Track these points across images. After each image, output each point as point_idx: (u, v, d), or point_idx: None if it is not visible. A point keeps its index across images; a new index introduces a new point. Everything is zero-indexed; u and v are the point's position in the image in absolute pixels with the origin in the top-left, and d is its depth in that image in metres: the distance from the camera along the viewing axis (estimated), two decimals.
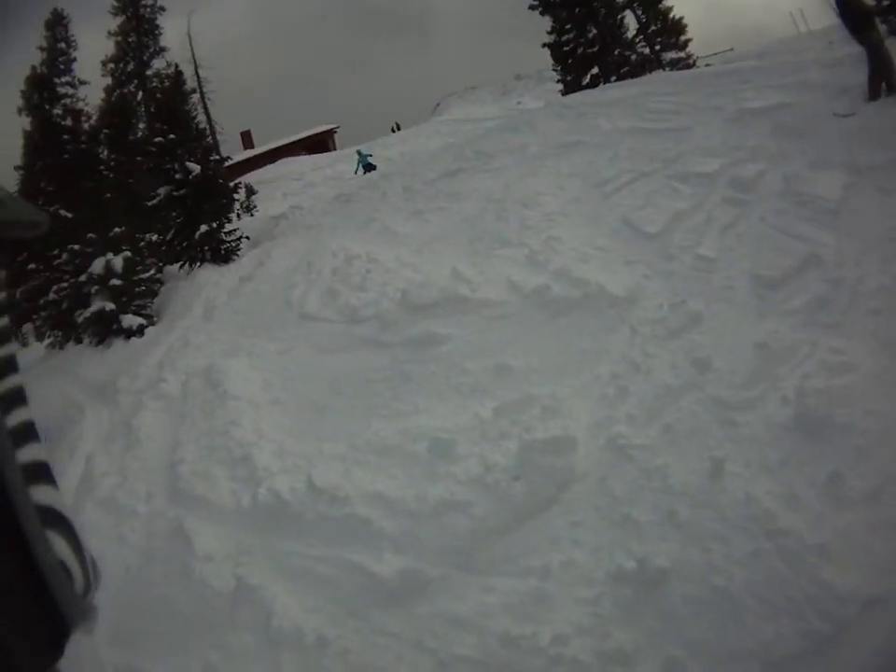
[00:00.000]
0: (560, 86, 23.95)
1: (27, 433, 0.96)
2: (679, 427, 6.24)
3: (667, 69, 22.34)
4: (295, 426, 8.62)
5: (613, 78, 21.52)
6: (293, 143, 39.78)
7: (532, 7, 23.61)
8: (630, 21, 23.98)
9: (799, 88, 12.38)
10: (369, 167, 24.02)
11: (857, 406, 5.64)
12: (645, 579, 4.96)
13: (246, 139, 32.27)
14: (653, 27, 24.62)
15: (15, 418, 0.95)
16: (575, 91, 20.42)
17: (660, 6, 24.81)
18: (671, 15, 24.79)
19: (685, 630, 4.60)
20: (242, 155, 23.35)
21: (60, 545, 0.88)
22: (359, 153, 24.82)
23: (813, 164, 9.61)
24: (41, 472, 0.95)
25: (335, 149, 38.22)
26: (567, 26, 22.60)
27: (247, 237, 17.97)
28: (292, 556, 6.64)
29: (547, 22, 23.22)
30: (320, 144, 40.70)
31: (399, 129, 39.74)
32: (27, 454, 0.93)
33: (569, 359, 7.76)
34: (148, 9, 31.84)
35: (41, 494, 0.91)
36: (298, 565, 6.52)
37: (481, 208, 12.20)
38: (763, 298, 7.60)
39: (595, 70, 22.43)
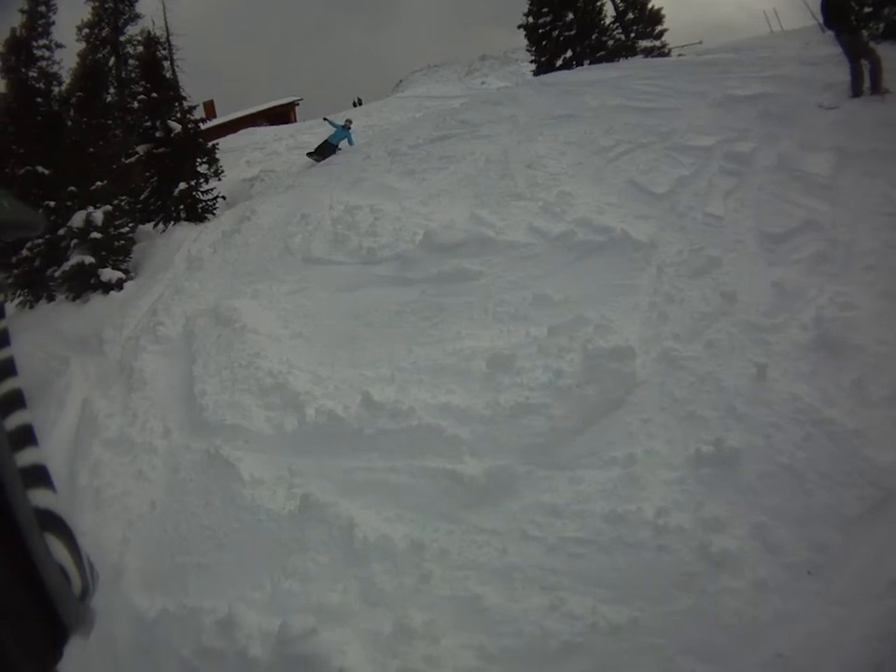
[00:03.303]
0: (530, 67, 24.27)
1: (26, 437, 0.97)
2: (720, 344, 6.92)
3: (642, 57, 22.59)
4: (326, 356, 8.81)
5: (587, 62, 21.97)
6: (255, 114, 39.29)
7: None
8: (608, 8, 24.22)
9: (781, 81, 12.93)
10: (327, 148, 19.27)
11: (865, 335, 6.46)
12: (721, 459, 5.60)
13: (209, 108, 31.79)
14: (631, 15, 24.94)
15: (14, 421, 0.96)
16: (546, 73, 20.63)
17: None
18: (650, 5, 25.13)
19: (763, 500, 5.26)
20: (205, 125, 23.27)
21: (58, 548, 0.89)
22: (335, 125, 20.23)
23: (803, 146, 10.23)
24: (40, 476, 0.95)
25: (296, 122, 37.89)
26: (545, 9, 22.88)
27: (223, 197, 18.09)
28: (355, 472, 6.81)
29: (521, 4, 23.48)
30: (282, 116, 40.22)
31: (360, 103, 39.37)
32: (26, 457, 0.94)
33: (605, 292, 8.26)
34: None
35: (39, 497, 0.91)
36: (365, 478, 6.69)
37: (481, 168, 12.50)
38: (770, 250, 8.28)
39: (569, 53, 22.79)
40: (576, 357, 7.14)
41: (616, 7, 24.76)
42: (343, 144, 19.68)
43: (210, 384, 8.96)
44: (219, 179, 19.17)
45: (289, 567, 5.98)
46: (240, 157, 23.48)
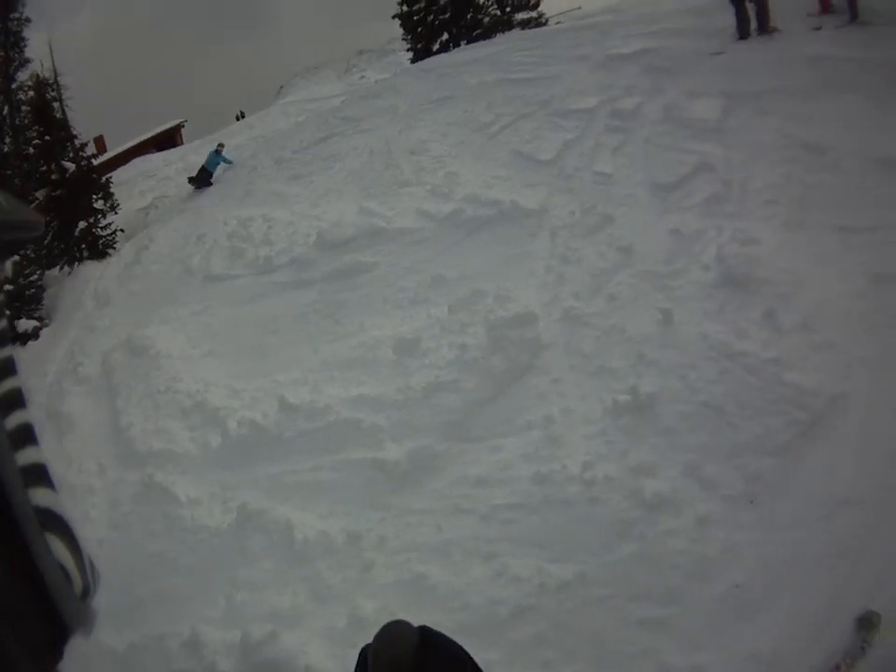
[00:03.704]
0: (408, 55, 24.02)
1: (26, 435, 0.96)
2: (622, 296, 7.03)
3: (519, 30, 22.15)
4: (238, 369, 8.82)
5: (463, 42, 21.79)
6: (143, 142, 38.49)
7: None
8: None
9: (665, 34, 12.81)
10: (204, 174, 18.80)
11: (770, 266, 6.60)
12: (639, 406, 5.69)
13: (99, 143, 31.10)
14: None
15: (14, 420, 0.95)
16: (424, 59, 20.35)
17: None
18: None
19: (688, 439, 5.36)
20: (97, 160, 22.52)
21: (58, 548, 0.88)
22: (212, 154, 19.55)
23: (689, 94, 10.21)
24: (40, 475, 0.94)
25: (183, 143, 37.34)
26: None
27: (122, 230, 17.79)
28: (283, 476, 6.86)
29: None
30: (169, 140, 39.43)
31: (243, 116, 38.81)
32: (26, 456, 0.93)
33: (500, 263, 8.32)
34: (16, 22, 30.29)
35: (40, 496, 0.90)
36: (293, 481, 6.75)
37: (364, 162, 12.48)
38: (663, 199, 8.35)
39: (445, 36, 22.67)
40: (479, 329, 7.22)
41: None
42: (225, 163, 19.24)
43: (134, 414, 8.89)
44: (116, 213, 18.82)
45: (239, 579, 6.04)
46: (133, 187, 23.07)
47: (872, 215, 6.88)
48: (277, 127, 24.08)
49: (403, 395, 6.89)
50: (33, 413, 0.98)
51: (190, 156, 24.92)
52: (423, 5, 22.48)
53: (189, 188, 18.89)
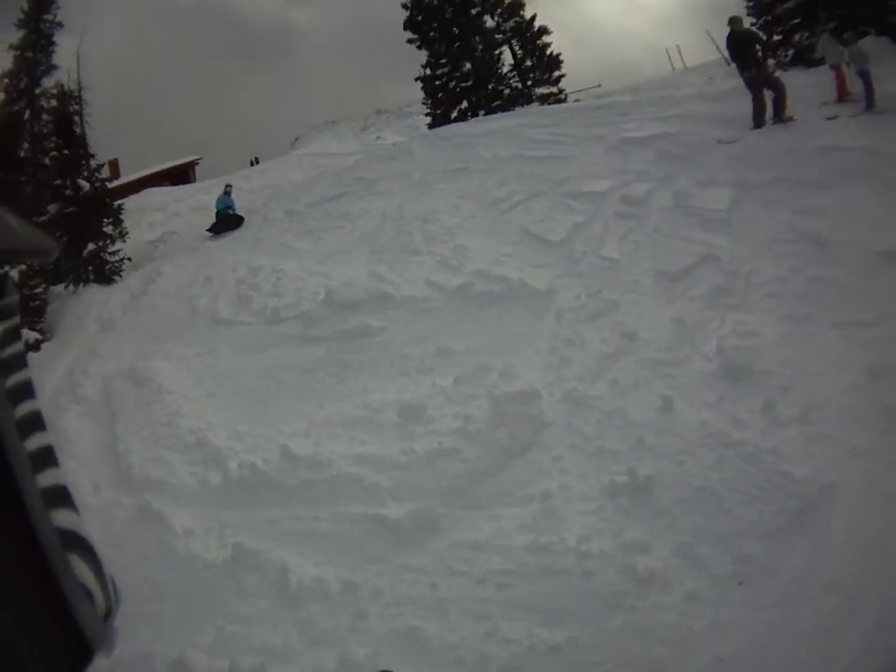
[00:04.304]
0: (426, 120, 24.62)
1: (47, 457, 0.97)
2: (625, 381, 7.27)
3: (538, 104, 22.72)
4: (241, 413, 8.89)
5: (482, 113, 22.11)
6: (156, 173, 38.63)
7: (410, 41, 24.27)
8: (506, 57, 24.67)
9: (680, 119, 13.37)
10: (226, 220, 17.95)
11: (770, 358, 6.90)
12: (636, 487, 5.88)
13: (114, 168, 31.15)
14: (529, 62, 25.17)
15: (34, 442, 0.96)
16: (442, 126, 20.87)
17: (538, 42, 25.38)
18: (548, 51, 25.28)
19: (683, 522, 5.55)
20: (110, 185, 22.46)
21: (81, 568, 0.88)
22: (220, 199, 18.88)
23: (700, 183, 10.64)
24: (62, 496, 0.95)
25: (196, 181, 37.36)
26: (443, 60, 23.37)
27: (129, 259, 17.97)
28: (282, 521, 6.89)
29: (419, 58, 23.97)
30: (182, 175, 39.41)
31: (258, 162, 39.05)
32: (47, 478, 0.93)
33: (506, 341, 8.54)
34: (48, 24, 30.17)
35: (62, 517, 0.91)
36: (291, 527, 6.79)
37: (377, 225, 12.73)
38: (668, 288, 8.67)
39: (465, 104, 23.17)
40: (483, 402, 7.39)
41: (514, 55, 25.09)
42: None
43: (133, 442, 8.91)
44: (124, 241, 18.83)
45: (230, 613, 6.01)
46: (142, 218, 22.99)
47: (872, 309, 7.17)
48: (291, 178, 24.11)
49: (406, 457, 7.01)
50: (51, 435, 0.99)
51: (201, 194, 24.95)
52: (446, 70, 22.84)
53: (204, 224, 18.84)
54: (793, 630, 4.57)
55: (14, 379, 0.98)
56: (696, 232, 9.50)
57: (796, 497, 5.44)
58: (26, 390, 0.99)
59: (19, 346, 0.99)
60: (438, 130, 19.76)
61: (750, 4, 20.83)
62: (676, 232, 9.68)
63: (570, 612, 5.13)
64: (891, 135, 9.96)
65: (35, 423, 0.98)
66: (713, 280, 8.45)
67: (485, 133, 15.89)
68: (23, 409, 0.97)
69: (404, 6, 24.69)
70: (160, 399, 9.55)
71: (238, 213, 18.03)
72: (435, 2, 24.04)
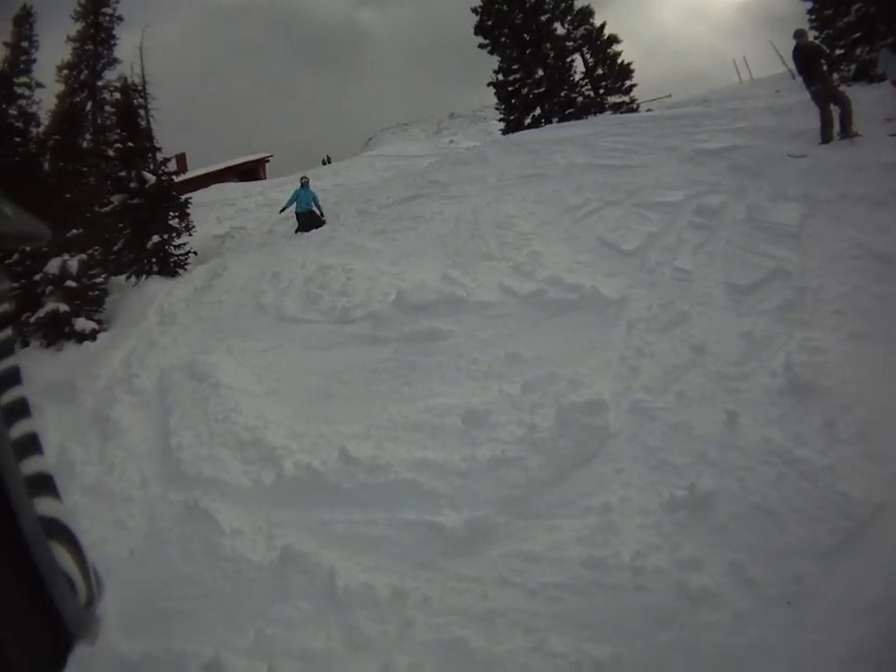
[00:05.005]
0: (499, 125, 24.54)
1: (31, 445, 0.97)
2: (691, 394, 7.11)
3: (611, 112, 22.73)
4: (301, 412, 8.91)
5: (555, 120, 22.14)
6: (225, 169, 39.12)
7: (482, 46, 24.38)
8: (577, 64, 24.61)
9: (751, 132, 13.23)
10: (307, 215, 17.58)
11: (834, 377, 6.69)
12: (695, 502, 5.75)
13: (181, 161, 31.76)
14: (600, 71, 25.15)
15: (19, 430, 0.96)
16: (515, 132, 20.77)
17: (609, 50, 25.44)
18: (619, 59, 25.30)
19: (738, 539, 5.41)
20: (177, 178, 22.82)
21: (63, 556, 0.88)
22: (299, 194, 18.05)
23: (771, 197, 10.47)
24: (45, 484, 0.94)
25: (266, 178, 37.82)
26: (515, 66, 23.30)
27: (195, 252, 18.16)
28: (334, 524, 6.91)
29: (490, 62, 23.93)
30: (251, 172, 40.01)
31: (329, 161, 39.40)
32: (31, 465, 0.93)
33: (576, 349, 8.42)
34: (108, 18, 30.84)
35: (45, 505, 0.90)
36: (343, 531, 6.80)
37: (451, 228, 12.73)
38: (738, 302, 8.48)
39: (538, 111, 23.07)
40: (549, 411, 7.30)
41: (586, 63, 25.07)
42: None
43: (186, 437, 8.99)
44: (190, 234, 19.04)
45: (272, 615, 6.04)
46: (210, 212, 23.29)
47: None
48: (363, 178, 24.45)
49: (467, 464, 6.97)
50: (36, 422, 1.00)
51: (272, 191, 25.20)
52: (519, 76, 22.83)
53: (271, 220, 19.26)
54: (835, 652, 4.50)
55: (0, 366, 1.00)
56: (767, 246, 9.33)
57: (849, 517, 5.30)
58: (12, 377, 1.01)
59: (6, 333, 1.01)
60: (512, 136, 19.67)
61: (814, 17, 20.72)
62: (748, 246, 9.51)
63: (620, 628, 5.09)
64: None
65: (20, 410, 0.99)
66: (782, 295, 8.29)
67: (559, 141, 15.83)
68: (9, 396, 0.98)
69: (474, 10, 24.84)
70: (217, 395, 9.64)
71: (317, 208, 17.88)
72: (504, 7, 24.18)
